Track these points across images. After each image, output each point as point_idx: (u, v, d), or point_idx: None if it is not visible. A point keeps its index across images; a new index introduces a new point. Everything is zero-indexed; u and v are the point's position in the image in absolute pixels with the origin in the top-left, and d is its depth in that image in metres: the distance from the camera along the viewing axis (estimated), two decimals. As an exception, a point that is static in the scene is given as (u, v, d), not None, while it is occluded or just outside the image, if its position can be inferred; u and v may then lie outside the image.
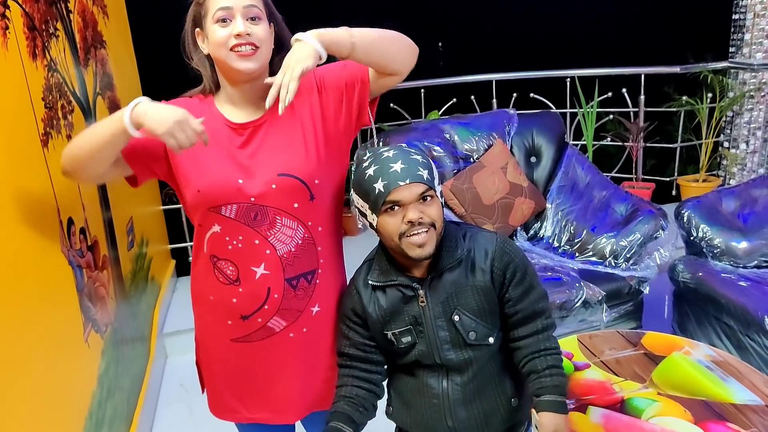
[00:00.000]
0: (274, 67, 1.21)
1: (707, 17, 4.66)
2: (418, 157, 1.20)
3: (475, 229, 1.31)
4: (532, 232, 2.70)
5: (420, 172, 1.17)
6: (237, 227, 1.20)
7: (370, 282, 1.28)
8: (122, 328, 2.15)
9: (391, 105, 4.08)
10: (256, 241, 1.20)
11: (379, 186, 1.16)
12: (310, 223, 1.23)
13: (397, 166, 1.16)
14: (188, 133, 1.06)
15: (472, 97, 4.08)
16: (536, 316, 1.25)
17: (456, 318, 1.23)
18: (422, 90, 4.04)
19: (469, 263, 1.24)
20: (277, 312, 1.24)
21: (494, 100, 4.04)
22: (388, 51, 1.22)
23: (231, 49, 1.15)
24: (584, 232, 2.53)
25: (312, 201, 1.22)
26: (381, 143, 1.24)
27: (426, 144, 2.65)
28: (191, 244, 2.87)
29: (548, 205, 2.69)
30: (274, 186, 1.18)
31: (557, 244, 2.61)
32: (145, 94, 1.18)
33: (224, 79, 1.23)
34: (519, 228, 2.68)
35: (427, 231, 1.17)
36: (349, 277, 1.36)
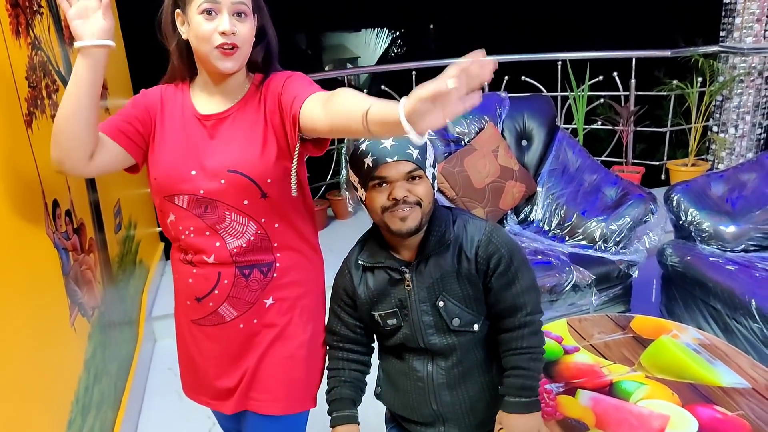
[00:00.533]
0: (253, 57, 1.21)
1: (698, 1, 4.65)
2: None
3: (467, 216, 1.29)
4: (522, 215, 2.70)
5: (410, 151, 1.16)
6: (189, 217, 1.20)
7: (360, 262, 1.29)
8: (110, 312, 2.13)
9: (383, 87, 4.05)
10: (207, 233, 1.20)
11: (368, 161, 1.17)
12: (263, 220, 1.21)
13: (388, 143, 1.16)
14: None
15: (464, 79, 4.05)
16: (517, 310, 1.23)
17: (440, 303, 1.23)
18: (413, 72, 4.02)
19: (457, 249, 1.23)
20: (227, 299, 1.23)
21: (485, 83, 4.02)
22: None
23: (215, 47, 1.12)
24: (574, 216, 2.54)
25: (264, 199, 1.19)
26: None
27: (417, 127, 2.63)
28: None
29: (539, 189, 2.69)
30: (223, 181, 1.17)
31: (547, 228, 2.61)
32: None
33: (202, 67, 1.22)
34: (510, 212, 2.68)
35: (410, 208, 1.17)
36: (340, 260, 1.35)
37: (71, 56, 2.09)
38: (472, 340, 1.27)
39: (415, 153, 1.17)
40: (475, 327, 1.25)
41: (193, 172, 1.18)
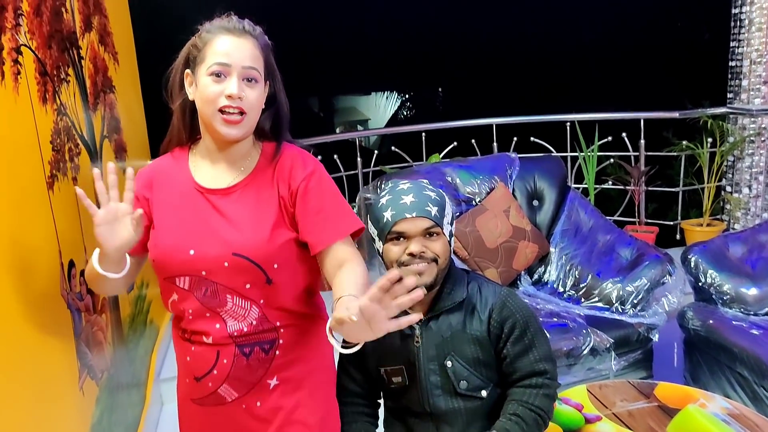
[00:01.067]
0: (260, 124, 1.17)
1: (703, 65, 4.75)
2: (431, 194, 1.21)
3: (483, 279, 1.29)
4: (536, 276, 2.67)
5: (429, 208, 1.17)
6: (190, 299, 1.13)
7: None
8: (118, 374, 2.09)
9: (393, 148, 4.11)
10: (207, 314, 1.14)
11: (387, 215, 1.18)
12: (266, 304, 1.14)
13: (408, 199, 1.17)
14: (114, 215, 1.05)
15: (473, 140, 4.12)
16: (535, 375, 1.20)
17: (449, 364, 1.21)
18: (423, 134, 4.08)
19: (470, 309, 1.22)
20: (227, 379, 1.15)
21: (495, 144, 4.08)
22: None
23: (219, 110, 1.08)
24: (589, 276, 2.50)
25: (269, 284, 1.12)
26: (386, 184, 1.29)
27: (429, 187, 2.65)
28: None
29: (552, 249, 2.67)
30: (226, 264, 1.09)
31: (562, 289, 2.57)
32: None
33: (206, 132, 1.16)
34: (523, 272, 2.65)
35: (426, 264, 1.17)
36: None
37: (94, 121, 2.15)
38: (480, 408, 1.23)
39: (434, 210, 1.18)
40: (483, 393, 1.22)
41: (192, 252, 1.11)
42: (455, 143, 4.08)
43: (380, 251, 1.24)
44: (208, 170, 1.16)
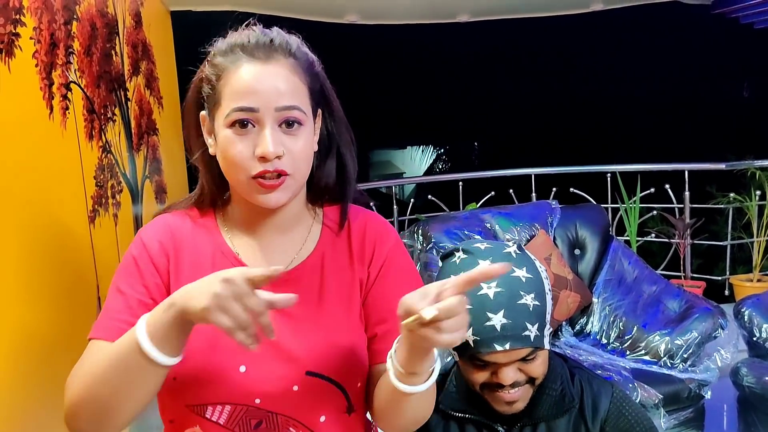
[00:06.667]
0: (318, 174, 0.85)
1: (745, 117, 4.66)
2: (527, 299, 0.90)
3: (587, 373, 1.05)
4: (578, 327, 2.56)
5: (527, 332, 0.88)
6: None
7: (440, 407, 1.01)
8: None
9: (429, 197, 4.10)
10: None
11: (467, 336, 0.88)
12: None
13: (497, 319, 0.87)
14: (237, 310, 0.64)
15: (511, 190, 4.08)
16: None
17: None
18: (460, 183, 4.07)
19: (574, 416, 0.99)
20: None
21: (533, 194, 4.03)
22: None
23: (253, 177, 0.75)
24: (635, 328, 2.39)
25: (349, 415, 0.82)
26: (459, 251, 0.99)
27: (466, 233, 2.60)
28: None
29: (594, 300, 2.57)
30: (296, 388, 0.77)
31: (605, 341, 2.45)
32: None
33: (237, 197, 0.83)
34: (564, 323, 2.55)
35: (520, 389, 0.94)
36: None
37: (137, 161, 2.21)
38: None
39: (534, 330, 0.89)
40: None
41: (242, 369, 0.76)
42: (492, 193, 4.05)
43: (454, 356, 0.99)
44: (251, 245, 0.83)
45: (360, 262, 0.83)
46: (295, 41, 0.80)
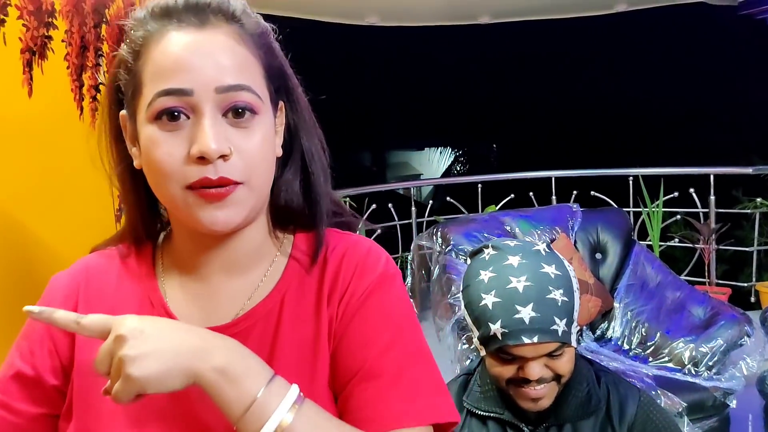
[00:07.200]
0: (282, 187, 0.62)
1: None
2: (556, 294, 0.90)
3: (613, 376, 1.05)
4: (599, 332, 2.54)
5: (555, 326, 0.88)
6: None
7: (465, 405, 1.03)
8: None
9: (448, 198, 4.09)
10: None
11: (496, 329, 0.89)
12: None
13: (526, 312, 0.87)
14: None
15: (531, 193, 4.05)
16: None
17: None
18: (479, 185, 4.05)
19: (601, 420, 0.98)
20: None
21: (554, 197, 4.00)
22: None
23: (188, 187, 0.54)
24: (658, 335, 2.36)
25: None
26: (491, 249, 0.99)
27: (486, 235, 2.59)
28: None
29: (616, 305, 2.54)
30: None
31: (627, 347, 2.43)
32: None
33: (174, 221, 0.63)
34: (585, 327, 2.52)
35: (546, 386, 0.93)
36: None
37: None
38: None
39: (562, 325, 0.89)
40: None
41: None
42: (512, 195, 4.02)
43: (479, 351, 0.99)
44: (190, 292, 0.62)
45: (330, 303, 0.60)
46: (240, 3, 0.59)
